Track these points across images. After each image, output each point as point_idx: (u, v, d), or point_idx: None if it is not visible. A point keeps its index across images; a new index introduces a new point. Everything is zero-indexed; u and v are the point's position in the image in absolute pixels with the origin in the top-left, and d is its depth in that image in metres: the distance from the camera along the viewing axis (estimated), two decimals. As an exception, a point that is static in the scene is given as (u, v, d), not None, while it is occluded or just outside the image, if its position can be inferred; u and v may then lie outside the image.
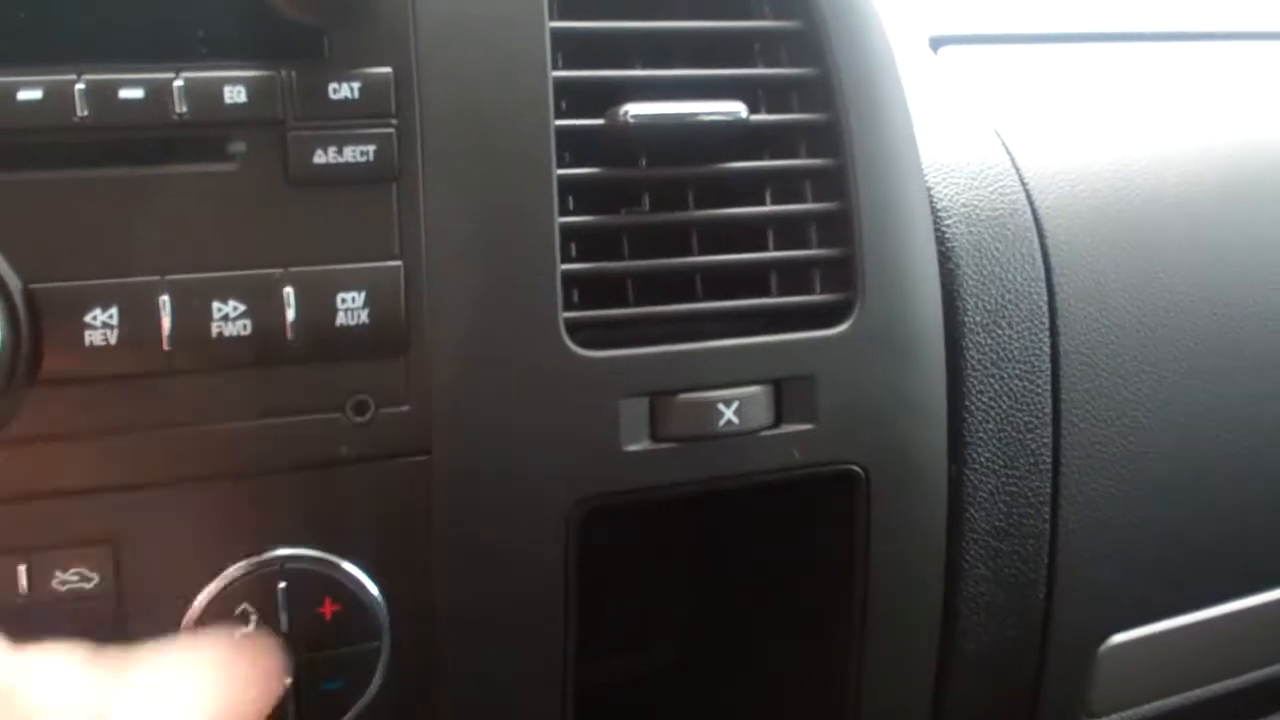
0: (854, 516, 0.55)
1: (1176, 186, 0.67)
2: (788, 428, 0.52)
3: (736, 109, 0.50)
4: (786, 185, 0.53)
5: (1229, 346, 0.66)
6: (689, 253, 0.52)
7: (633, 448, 0.50)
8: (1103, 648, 0.66)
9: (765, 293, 0.53)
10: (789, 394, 0.52)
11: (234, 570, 0.47)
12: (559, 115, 0.49)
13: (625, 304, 0.51)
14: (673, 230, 0.52)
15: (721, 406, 0.51)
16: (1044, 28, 0.79)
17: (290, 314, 0.45)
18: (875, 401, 0.54)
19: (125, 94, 0.43)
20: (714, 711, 0.68)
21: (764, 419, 0.52)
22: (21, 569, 0.45)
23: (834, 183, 0.53)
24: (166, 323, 0.44)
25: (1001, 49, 0.75)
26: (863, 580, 0.55)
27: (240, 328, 0.44)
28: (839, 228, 0.53)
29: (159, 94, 0.43)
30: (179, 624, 0.46)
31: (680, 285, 0.52)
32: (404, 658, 0.49)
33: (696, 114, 0.50)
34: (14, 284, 0.42)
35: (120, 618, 0.46)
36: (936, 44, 0.74)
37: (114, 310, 0.43)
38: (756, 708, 0.65)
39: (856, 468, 0.54)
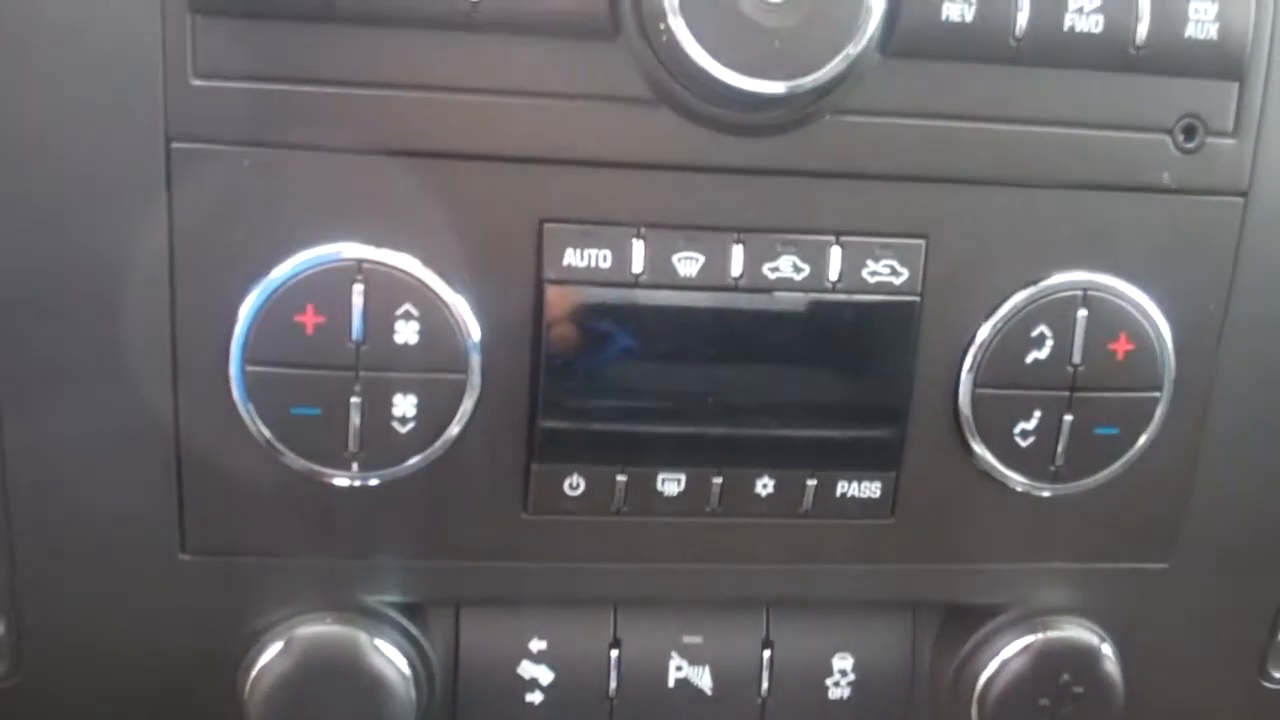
0: None
1: None
2: None
3: None
4: None
5: None
6: None
7: None
8: None
9: None
10: None
11: (1032, 290, 0.46)
12: None
13: None
14: None
15: None
16: None
17: (1145, 19, 0.44)
18: None
19: None
20: None
21: None
22: (835, 252, 0.45)
23: None
24: (1024, 14, 0.43)
25: None
26: None
27: (1093, 23, 0.44)
28: None
29: None
30: (972, 339, 0.46)
31: None
32: (1182, 412, 0.47)
33: None
34: None
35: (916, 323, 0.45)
36: None
37: None
38: None
39: None
